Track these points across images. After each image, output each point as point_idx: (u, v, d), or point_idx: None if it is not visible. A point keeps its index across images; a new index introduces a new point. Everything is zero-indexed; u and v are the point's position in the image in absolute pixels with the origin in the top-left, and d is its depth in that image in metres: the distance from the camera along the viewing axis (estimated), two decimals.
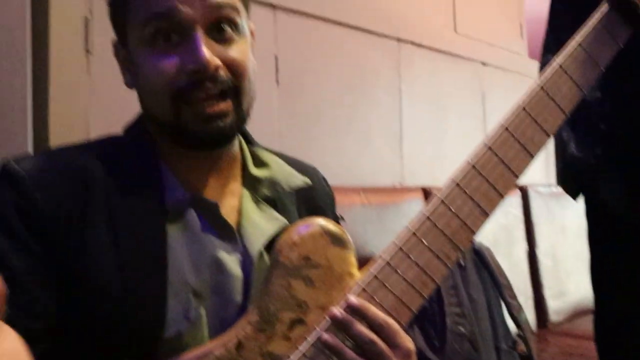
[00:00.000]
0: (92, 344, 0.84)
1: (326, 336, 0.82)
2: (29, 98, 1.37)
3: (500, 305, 2.05)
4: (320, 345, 0.82)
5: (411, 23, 2.52)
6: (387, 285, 0.86)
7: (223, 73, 0.88)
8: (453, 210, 0.89)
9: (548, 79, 0.94)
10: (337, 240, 0.89)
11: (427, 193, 2.29)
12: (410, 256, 0.86)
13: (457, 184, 0.89)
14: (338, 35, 2.19)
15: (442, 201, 0.89)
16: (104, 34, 1.52)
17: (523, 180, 2.93)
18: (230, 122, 0.89)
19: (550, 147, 3.23)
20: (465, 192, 0.89)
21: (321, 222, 0.90)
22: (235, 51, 0.90)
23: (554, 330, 2.69)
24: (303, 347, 0.83)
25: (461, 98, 2.71)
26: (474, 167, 0.90)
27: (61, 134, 1.43)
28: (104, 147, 0.95)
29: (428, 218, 0.88)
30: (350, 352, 0.81)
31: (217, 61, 0.87)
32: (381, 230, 2.04)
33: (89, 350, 0.85)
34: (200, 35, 0.86)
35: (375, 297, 0.85)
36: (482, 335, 1.92)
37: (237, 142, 1.00)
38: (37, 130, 1.40)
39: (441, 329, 1.84)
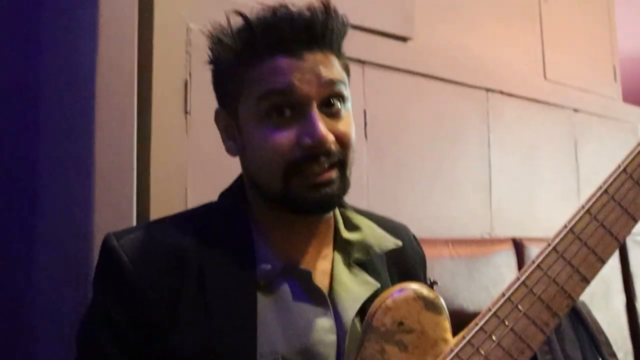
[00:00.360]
0: None
1: None
2: (134, 157, 1.45)
3: None
4: None
5: (499, 72, 2.51)
6: (481, 351, 0.85)
7: (334, 147, 0.92)
8: (550, 275, 0.88)
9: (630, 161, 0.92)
10: (431, 305, 0.90)
11: (517, 244, 2.25)
12: (506, 322, 0.86)
13: (555, 249, 0.88)
14: (425, 88, 2.21)
15: (539, 266, 0.88)
16: (202, 95, 1.61)
17: None
18: (337, 190, 0.93)
19: None
20: (563, 257, 0.88)
21: (415, 286, 0.91)
22: (343, 125, 0.94)
23: None
24: None
25: (552, 146, 2.65)
26: (571, 231, 0.89)
27: (161, 191, 1.50)
28: (199, 218, 0.99)
29: (524, 283, 0.87)
30: None
31: (331, 137, 0.91)
32: (470, 283, 2.01)
33: None
34: (316, 111, 0.90)
35: None
36: None
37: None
38: (139, 188, 1.47)
39: None
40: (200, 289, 0.90)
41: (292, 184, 0.91)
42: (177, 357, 0.88)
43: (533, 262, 0.89)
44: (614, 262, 2.64)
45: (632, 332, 2.59)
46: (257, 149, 0.93)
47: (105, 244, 0.94)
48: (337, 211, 1.04)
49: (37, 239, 1.38)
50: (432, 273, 1.16)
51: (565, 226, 0.90)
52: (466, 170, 2.33)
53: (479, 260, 2.08)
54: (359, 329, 0.92)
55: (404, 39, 2.16)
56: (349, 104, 0.97)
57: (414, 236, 1.16)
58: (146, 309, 0.89)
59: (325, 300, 0.94)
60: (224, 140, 1.01)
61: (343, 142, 0.93)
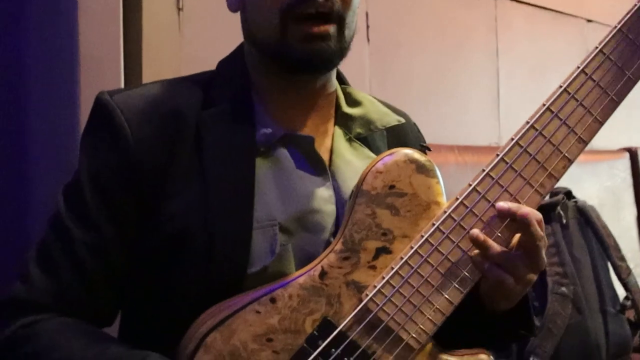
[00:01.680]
0: (174, 284, 0.85)
1: (476, 231, 0.82)
2: (121, 58, 1.40)
3: (606, 267, 1.96)
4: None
5: None
6: (475, 212, 0.82)
7: None
8: (545, 135, 0.84)
9: (627, 20, 0.87)
10: (423, 169, 0.86)
11: None
12: (500, 182, 0.82)
13: (549, 108, 0.84)
14: None
15: (532, 126, 0.84)
16: None
17: (632, 141, 2.75)
18: (333, 46, 0.88)
19: None
20: (558, 117, 0.84)
21: (406, 150, 0.88)
22: None
23: None
24: (387, 274, 0.81)
25: (564, 57, 2.57)
26: (566, 90, 0.85)
27: None
28: (198, 82, 0.95)
29: (517, 143, 0.83)
30: (497, 249, 0.82)
31: None
32: None
33: (174, 290, 0.86)
34: None
35: (463, 225, 0.82)
36: (587, 298, 1.83)
37: (334, 82, 0.98)
38: (129, 85, 1.44)
39: (542, 289, 1.77)
40: (197, 151, 0.87)
41: (288, 34, 0.87)
42: (169, 221, 0.85)
43: (527, 122, 0.84)
44: (625, 174, 2.60)
45: None
46: None
47: (98, 100, 0.89)
48: (339, 88, 0.99)
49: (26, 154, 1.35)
50: None
51: (560, 86, 0.85)
52: (473, 79, 2.27)
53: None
54: None
55: None
56: None
57: (414, 123, 1.12)
58: (139, 169, 0.86)
59: (325, 170, 0.91)
60: None
61: None
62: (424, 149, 0.93)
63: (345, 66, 0.96)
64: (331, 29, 0.87)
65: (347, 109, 0.97)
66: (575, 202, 1.95)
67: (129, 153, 0.86)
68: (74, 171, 0.92)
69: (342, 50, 0.91)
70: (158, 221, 0.85)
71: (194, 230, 0.84)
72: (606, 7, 2.81)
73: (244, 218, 0.85)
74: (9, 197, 1.25)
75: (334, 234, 0.88)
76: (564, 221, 1.86)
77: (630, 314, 1.93)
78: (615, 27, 0.87)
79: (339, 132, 0.96)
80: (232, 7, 0.96)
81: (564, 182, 2.22)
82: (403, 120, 1.00)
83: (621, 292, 1.92)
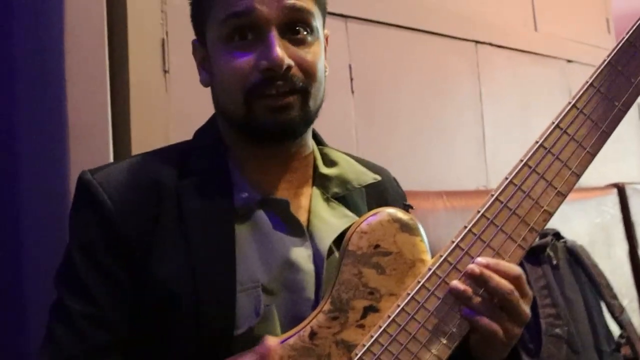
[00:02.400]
0: (167, 345, 0.87)
1: (456, 283, 0.83)
2: (109, 120, 1.43)
3: (599, 306, 1.97)
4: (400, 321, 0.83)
5: (488, 24, 2.47)
6: (459, 268, 0.84)
7: (295, 72, 0.91)
8: (524, 190, 0.86)
9: (615, 53, 0.90)
10: (406, 227, 0.88)
11: None
12: (482, 238, 0.84)
13: (526, 164, 0.87)
14: (412, 41, 2.18)
15: (511, 181, 0.86)
16: (180, 54, 1.60)
17: (619, 178, 2.77)
18: (297, 116, 0.91)
19: None
20: (536, 172, 0.86)
21: (390, 210, 0.90)
22: (307, 52, 0.92)
23: None
24: (375, 333, 0.82)
25: (546, 97, 2.62)
26: (542, 145, 0.87)
27: (143, 150, 1.48)
28: (176, 152, 0.98)
29: (497, 199, 0.86)
30: (479, 299, 0.83)
31: (289, 61, 0.90)
32: None
33: (164, 352, 0.88)
34: (275, 35, 0.89)
35: (447, 281, 0.84)
36: (581, 337, 1.84)
37: (309, 144, 1.01)
38: (118, 150, 1.46)
39: (536, 331, 1.78)
40: (178, 219, 0.90)
41: (254, 108, 0.90)
42: (156, 288, 0.87)
43: (506, 178, 0.87)
44: (614, 210, 2.62)
45: (636, 279, 2.58)
46: (221, 73, 0.93)
47: (80, 179, 0.92)
48: (316, 149, 1.03)
49: (20, 208, 1.36)
50: (425, 226, 1.14)
51: (536, 142, 0.88)
52: (458, 124, 2.30)
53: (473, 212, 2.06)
54: (337, 257, 0.90)
55: None
56: (319, 36, 0.95)
57: (394, 178, 1.16)
58: (124, 239, 0.88)
59: (303, 230, 0.93)
60: (199, 72, 1.01)
61: (305, 69, 0.92)
62: (407, 207, 0.96)
63: (331, 118, 0.99)
64: (292, 99, 0.91)
65: (324, 170, 1.00)
66: (565, 242, 1.97)
67: (113, 226, 0.88)
68: (63, 236, 0.94)
69: (307, 119, 0.94)
70: (146, 288, 0.87)
71: (181, 296, 0.86)
72: (585, 48, 2.88)
73: (228, 282, 0.87)
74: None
75: (315, 292, 0.90)
76: (554, 262, 1.88)
77: (626, 351, 1.94)
78: (605, 60, 0.89)
79: (316, 192, 0.98)
80: (204, 83, 1.00)
81: (553, 221, 2.24)
82: (379, 178, 1.03)
83: (615, 330, 1.93)
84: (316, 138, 1.05)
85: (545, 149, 0.87)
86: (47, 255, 1.30)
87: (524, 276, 0.84)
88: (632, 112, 3.41)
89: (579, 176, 0.88)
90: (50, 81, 1.34)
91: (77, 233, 0.91)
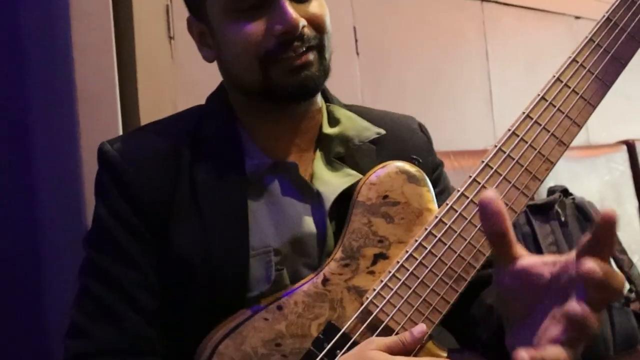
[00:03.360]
0: (181, 309, 0.90)
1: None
2: (117, 88, 1.44)
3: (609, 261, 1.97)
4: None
5: None
6: (464, 215, 0.85)
7: (307, 30, 0.90)
8: (526, 140, 0.87)
9: (614, 8, 0.91)
10: (413, 178, 0.90)
11: None
12: (486, 187, 0.86)
13: (528, 115, 0.88)
14: (417, 1, 2.17)
15: (514, 132, 0.87)
16: (185, 20, 1.59)
17: (628, 135, 2.76)
18: (316, 71, 0.91)
19: None
20: (538, 123, 0.87)
21: (397, 163, 0.92)
22: (314, 7, 0.92)
23: None
24: (385, 277, 0.84)
25: (554, 55, 2.59)
26: (543, 98, 0.88)
27: (151, 118, 1.49)
28: (189, 118, 0.99)
29: (500, 149, 0.87)
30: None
31: (303, 21, 0.89)
32: None
33: (179, 315, 0.90)
34: None
35: (453, 227, 0.85)
36: None
37: (318, 101, 1.01)
38: (127, 118, 1.47)
39: None
40: (192, 188, 0.91)
41: (271, 74, 0.90)
42: (174, 255, 0.89)
43: (509, 130, 0.88)
44: (624, 167, 2.63)
45: None
46: (231, 45, 0.92)
47: (100, 151, 0.94)
48: (324, 107, 1.02)
49: (31, 173, 1.38)
50: None
51: (538, 95, 0.89)
52: (465, 84, 2.30)
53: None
54: (340, 218, 0.92)
55: None
56: None
57: (419, 124, 1.13)
58: (146, 208, 0.90)
59: (313, 193, 0.94)
60: (199, 49, 1.00)
61: (316, 24, 0.91)
62: (413, 160, 0.96)
63: (336, 81, 0.99)
64: (311, 56, 0.90)
65: (327, 130, 0.99)
66: (573, 199, 1.98)
67: (137, 194, 0.90)
68: (77, 205, 0.95)
69: (325, 73, 0.94)
70: (166, 253, 0.89)
71: (197, 262, 0.88)
72: (593, 3, 2.85)
73: (241, 247, 0.89)
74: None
75: (319, 254, 0.92)
76: (563, 219, 1.89)
77: (636, 306, 1.95)
78: (604, 15, 0.90)
79: (319, 154, 0.98)
80: (209, 59, 0.99)
81: (563, 180, 2.26)
82: (382, 132, 1.00)
83: (626, 285, 1.94)
84: (324, 94, 1.04)
85: (546, 101, 0.88)
86: (62, 225, 1.33)
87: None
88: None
89: (580, 127, 0.89)
90: (57, 49, 1.35)
91: (105, 202, 0.92)
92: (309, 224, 0.93)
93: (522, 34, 2.54)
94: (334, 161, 0.97)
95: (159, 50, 1.54)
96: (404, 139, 1.05)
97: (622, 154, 2.64)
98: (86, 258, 0.92)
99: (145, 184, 0.90)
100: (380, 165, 0.92)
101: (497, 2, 2.43)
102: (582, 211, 1.97)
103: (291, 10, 0.88)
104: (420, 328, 0.82)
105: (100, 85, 1.41)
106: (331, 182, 0.95)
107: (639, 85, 3.17)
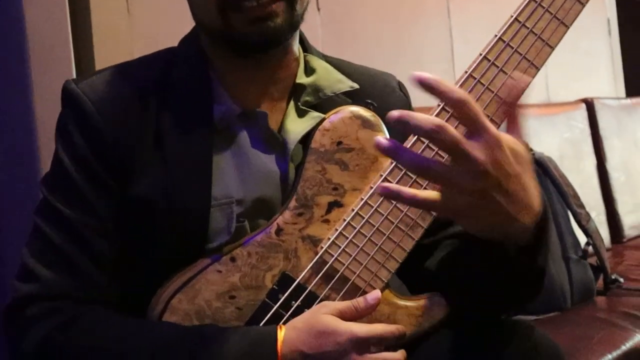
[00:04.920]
0: (140, 256, 0.88)
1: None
2: (70, 42, 1.40)
3: (567, 215, 2.00)
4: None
5: None
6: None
7: None
8: (497, 65, 0.85)
9: None
10: (368, 124, 0.89)
11: None
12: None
13: (500, 38, 0.86)
14: None
15: (485, 57, 0.84)
16: None
17: (589, 93, 2.78)
18: (281, 23, 0.86)
19: (618, 60, 3.05)
20: (510, 46, 0.85)
21: (351, 107, 0.90)
22: None
23: (630, 245, 2.60)
24: (340, 226, 0.83)
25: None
26: (501, 39, 0.87)
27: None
28: (159, 61, 0.95)
29: (470, 77, 0.84)
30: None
31: None
32: None
33: (137, 262, 0.88)
34: None
35: (409, 174, 0.84)
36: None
37: (295, 50, 0.97)
38: (81, 72, 1.43)
39: None
40: (157, 132, 0.89)
41: (231, 21, 0.86)
42: (135, 200, 0.87)
43: (480, 54, 0.86)
44: (583, 125, 2.65)
45: (603, 192, 2.62)
46: None
47: (65, 89, 0.91)
48: (301, 56, 0.98)
49: None
50: None
51: (511, 16, 0.87)
52: (427, 40, 2.29)
53: None
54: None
55: None
56: None
57: (399, 82, 1.10)
58: (111, 149, 0.87)
59: (281, 144, 0.92)
60: None
61: None
62: (368, 105, 0.94)
63: None
64: (277, 6, 0.85)
65: (301, 79, 0.96)
66: (533, 154, 1.99)
67: (100, 134, 0.87)
68: (29, 159, 0.92)
69: (293, 24, 0.89)
70: (127, 197, 0.87)
71: (157, 209, 0.86)
72: None
73: (203, 196, 0.87)
74: None
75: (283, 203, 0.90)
76: None
77: (593, 260, 1.98)
78: None
79: (292, 104, 0.95)
80: None
81: (524, 137, 2.27)
82: (356, 86, 0.97)
83: (582, 239, 1.97)
84: (302, 43, 1.00)
85: (504, 42, 0.87)
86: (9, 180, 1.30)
87: (472, 105, 0.67)
88: (601, 27, 3.42)
89: (538, 68, 0.88)
90: (10, 23, 1.30)
91: (66, 142, 0.89)
92: (273, 175, 0.91)
93: None
94: (304, 109, 0.94)
95: (115, 3, 1.49)
96: (382, 96, 1.01)
97: (582, 112, 2.67)
98: (42, 198, 0.89)
99: (109, 126, 0.87)
100: (334, 111, 0.90)
101: None
102: (542, 166, 1.98)
103: None
104: (375, 294, 0.82)
105: (53, 38, 1.37)
106: (296, 129, 0.92)
107: (599, 43, 3.20)
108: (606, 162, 2.67)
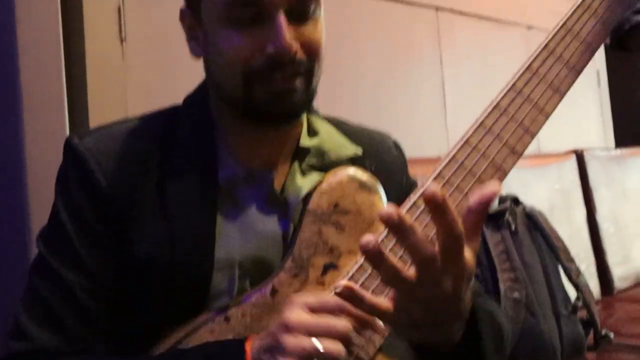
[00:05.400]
0: (143, 313, 0.88)
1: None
2: (64, 89, 1.40)
3: (557, 270, 2.00)
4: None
5: None
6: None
7: (300, 55, 0.86)
8: (480, 149, 0.86)
9: (570, 15, 0.91)
10: (365, 186, 0.89)
11: None
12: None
13: (482, 123, 0.87)
14: (372, 7, 2.17)
15: (467, 141, 0.86)
16: (137, 21, 1.57)
17: (578, 144, 2.82)
18: (300, 100, 0.88)
19: (607, 111, 3.10)
20: (491, 131, 0.87)
21: (349, 170, 0.90)
22: (313, 31, 0.88)
23: (620, 297, 2.60)
24: (335, 288, 0.82)
25: (507, 64, 2.64)
26: (497, 106, 0.87)
27: (100, 122, 1.45)
28: (164, 119, 0.96)
29: (453, 158, 0.85)
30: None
31: (296, 45, 0.85)
32: None
33: (140, 319, 0.88)
34: (283, 18, 0.84)
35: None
36: (539, 301, 1.87)
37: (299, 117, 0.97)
38: (75, 120, 1.43)
39: (495, 295, 1.80)
40: (160, 193, 0.88)
41: (254, 92, 0.86)
42: (135, 259, 0.87)
43: (462, 138, 0.87)
44: (573, 176, 2.67)
45: (593, 243, 2.63)
46: (219, 51, 0.88)
47: (68, 145, 0.91)
48: (304, 118, 0.99)
49: None
50: None
51: (492, 102, 0.88)
52: (419, 91, 2.31)
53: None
54: None
55: None
56: (321, 9, 0.90)
57: (395, 142, 1.11)
58: (112, 208, 0.87)
59: (286, 208, 0.92)
60: (187, 40, 0.95)
61: (311, 49, 0.87)
62: (367, 167, 0.94)
63: None
64: (298, 82, 0.87)
65: (305, 141, 0.96)
66: (523, 207, 2.00)
67: (102, 193, 0.87)
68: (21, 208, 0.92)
69: (309, 99, 0.91)
70: (127, 257, 0.87)
71: (159, 268, 0.86)
72: (546, 14, 2.90)
73: (206, 259, 0.87)
74: None
75: None
76: (513, 227, 1.90)
77: (583, 314, 1.98)
78: (559, 23, 0.90)
79: (295, 165, 0.95)
80: (193, 53, 0.95)
81: (515, 187, 2.28)
82: (359, 154, 0.98)
83: (572, 294, 1.97)
84: None
85: (500, 109, 0.87)
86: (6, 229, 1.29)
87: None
88: (591, 78, 3.46)
89: (533, 135, 0.88)
90: (1, 49, 1.31)
91: (66, 198, 0.89)
92: (275, 236, 0.91)
93: (476, 42, 2.56)
94: (308, 172, 0.94)
95: (110, 51, 1.50)
96: (379, 156, 1.03)
97: (572, 163, 2.69)
98: (38, 254, 0.89)
99: (111, 184, 0.87)
100: (332, 172, 0.90)
101: (451, 11, 2.45)
102: (532, 220, 1.98)
103: (287, 33, 0.84)
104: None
105: (46, 85, 1.38)
106: (299, 190, 0.93)
107: (589, 94, 3.25)
108: (596, 213, 2.68)
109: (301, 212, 0.88)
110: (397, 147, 1.10)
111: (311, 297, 0.76)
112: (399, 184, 1.02)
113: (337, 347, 0.72)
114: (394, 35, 2.24)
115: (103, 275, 0.87)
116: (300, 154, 0.96)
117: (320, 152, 0.96)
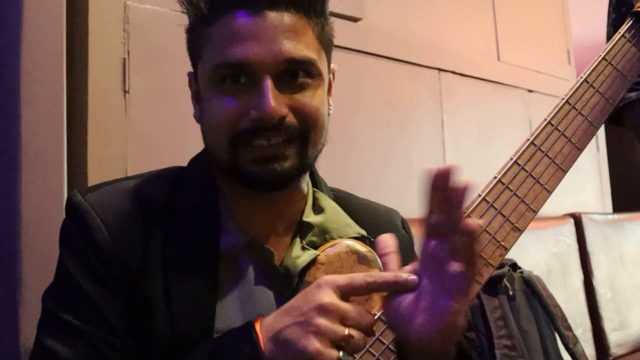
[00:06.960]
0: None
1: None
2: (64, 140, 1.39)
3: (554, 337, 1.98)
4: None
5: (452, 52, 2.50)
6: None
7: (290, 120, 0.86)
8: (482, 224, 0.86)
9: (574, 93, 0.92)
10: (364, 259, 0.88)
11: None
12: None
13: (484, 199, 0.87)
14: (376, 68, 2.19)
15: (469, 215, 0.86)
16: (141, 74, 1.57)
17: (576, 208, 2.80)
18: (290, 167, 0.87)
19: (605, 175, 3.10)
20: (494, 207, 0.87)
21: (347, 242, 0.90)
22: (306, 97, 0.88)
23: None
24: None
25: (507, 126, 2.66)
26: (500, 181, 0.88)
27: (99, 174, 1.45)
28: (169, 180, 0.95)
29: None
30: None
31: (283, 110, 0.85)
32: None
33: None
34: (269, 84, 0.85)
35: None
36: None
37: (303, 188, 0.97)
38: (75, 170, 1.42)
39: None
40: (163, 259, 0.87)
41: (239, 156, 0.87)
42: (138, 327, 0.86)
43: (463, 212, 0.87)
44: (570, 240, 2.66)
45: (589, 308, 2.61)
46: (210, 115, 0.89)
47: (72, 202, 0.90)
48: (310, 193, 0.99)
49: None
50: None
51: (495, 177, 0.88)
52: (419, 151, 2.32)
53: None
54: None
55: (354, 19, 2.14)
56: (322, 75, 0.91)
57: (402, 219, 1.12)
58: (117, 263, 0.86)
59: (283, 279, 0.91)
60: (194, 105, 0.96)
61: (303, 115, 0.87)
62: (365, 239, 0.94)
63: None
64: (287, 149, 0.87)
65: (308, 218, 0.96)
66: (521, 273, 1.99)
67: (108, 250, 0.86)
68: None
69: (302, 169, 0.90)
70: (134, 307, 0.86)
71: (159, 332, 0.85)
72: (546, 78, 2.94)
73: (205, 328, 0.86)
74: None
75: None
76: (511, 293, 1.89)
77: None
78: (563, 98, 0.91)
79: (297, 241, 0.94)
80: (195, 118, 0.96)
81: (512, 250, 2.27)
82: (364, 233, 0.97)
83: None
84: (312, 178, 1.01)
85: (503, 184, 0.88)
86: None
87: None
88: (590, 143, 3.45)
89: (535, 212, 0.88)
90: (4, 98, 1.30)
91: (73, 256, 0.88)
92: (274, 310, 0.89)
93: (477, 104, 2.58)
94: (307, 248, 0.93)
95: (113, 103, 1.50)
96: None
97: (569, 227, 2.68)
98: (47, 313, 0.87)
99: (115, 243, 0.86)
100: (330, 244, 0.90)
101: (453, 73, 2.47)
102: (530, 286, 1.97)
103: (271, 97, 0.84)
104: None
105: (46, 135, 1.36)
106: (299, 263, 0.92)
107: (587, 158, 3.26)
108: (593, 278, 2.67)
109: (297, 284, 0.87)
110: (404, 225, 1.10)
111: (340, 278, 0.75)
112: (404, 264, 1.01)
113: (362, 339, 0.74)
114: (395, 94, 2.25)
115: (122, 327, 0.85)
116: (303, 229, 0.95)
117: (323, 230, 0.95)
